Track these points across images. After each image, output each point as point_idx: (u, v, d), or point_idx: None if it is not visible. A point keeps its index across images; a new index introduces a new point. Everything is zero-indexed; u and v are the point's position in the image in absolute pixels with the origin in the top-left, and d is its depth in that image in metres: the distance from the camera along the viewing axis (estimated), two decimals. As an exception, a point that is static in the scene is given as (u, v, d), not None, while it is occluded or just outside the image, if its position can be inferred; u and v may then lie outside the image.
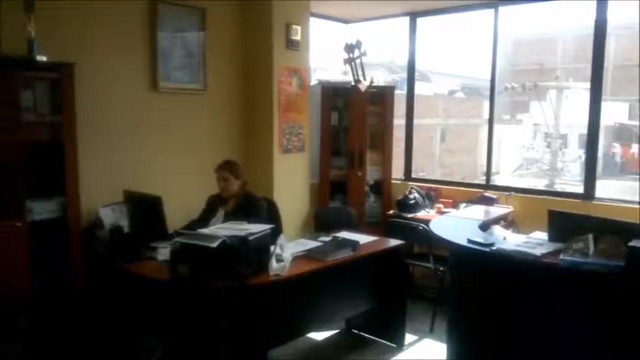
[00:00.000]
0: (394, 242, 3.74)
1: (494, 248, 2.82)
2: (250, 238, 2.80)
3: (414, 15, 5.21)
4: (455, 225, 3.60)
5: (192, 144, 4.23)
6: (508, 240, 3.02)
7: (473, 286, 3.04)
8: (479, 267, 2.97)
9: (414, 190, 4.79)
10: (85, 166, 3.14)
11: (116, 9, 3.67)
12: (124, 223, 3.52)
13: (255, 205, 3.55)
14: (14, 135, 2.80)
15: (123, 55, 3.74)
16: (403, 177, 5.35)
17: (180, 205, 3.63)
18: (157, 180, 3.89)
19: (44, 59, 2.91)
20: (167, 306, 2.97)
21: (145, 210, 3.37)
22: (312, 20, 4.75)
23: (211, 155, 4.15)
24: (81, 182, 3.12)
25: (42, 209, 3.01)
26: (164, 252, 3.19)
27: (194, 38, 4.14)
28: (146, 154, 3.93)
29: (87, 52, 3.41)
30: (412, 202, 4.66)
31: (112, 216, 3.62)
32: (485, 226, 3.52)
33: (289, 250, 3.11)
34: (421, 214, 4.61)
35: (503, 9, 4.69)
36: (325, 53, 5.39)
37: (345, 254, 3.27)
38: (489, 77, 4.87)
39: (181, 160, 4.16)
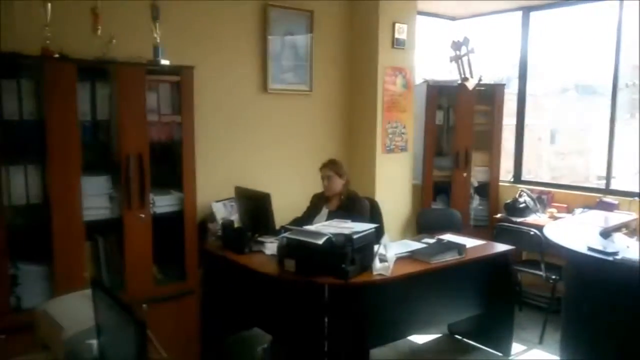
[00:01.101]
0: (502, 247, 3.59)
1: (618, 257, 2.61)
2: (355, 237, 2.83)
3: (527, 10, 4.95)
4: (573, 231, 3.38)
5: (297, 144, 4.34)
6: (632, 249, 2.78)
7: (594, 297, 2.84)
8: (600, 277, 2.76)
9: (524, 193, 4.56)
10: (200, 163, 3.33)
11: (230, 15, 3.86)
12: (234, 217, 3.70)
13: (358, 204, 3.57)
14: (141, 134, 3.03)
15: (236, 59, 3.92)
16: (512, 179, 5.11)
17: (285, 203, 3.74)
18: (265, 177, 4.04)
19: (167, 63, 3.13)
20: (273, 299, 3.08)
21: (255, 206, 3.52)
22: (418, 18, 4.67)
23: (316, 155, 4.24)
24: (197, 178, 3.31)
25: (163, 203, 3.23)
26: (271, 246, 3.32)
27: (302, 40, 4.25)
28: (255, 152, 4.09)
29: (203, 56, 3.61)
30: (522, 205, 4.44)
31: (223, 211, 3.82)
32: (606, 234, 3.27)
33: (393, 251, 3.09)
34: (531, 219, 4.38)
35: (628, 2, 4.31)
36: (431, 51, 5.27)
37: (450, 257, 3.19)
38: (606, 74, 4.50)
39: (287, 159, 4.28)
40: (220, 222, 3.62)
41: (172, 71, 3.21)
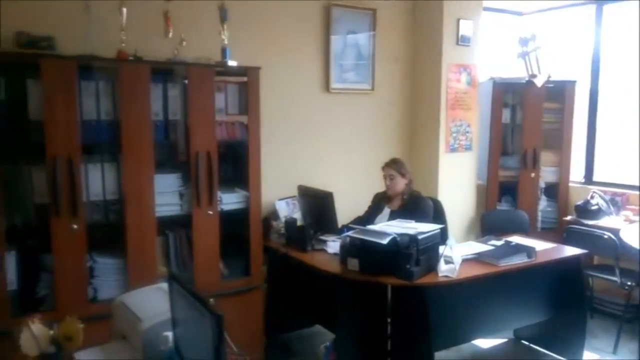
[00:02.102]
0: (573, 250, 3.43)
1: None
2: (420, 237, 2.79)
3: (601, 3, 4.72)
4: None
5: (359, 143, 4.33)
6: None
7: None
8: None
9: (597, 195, 4.34)
10: (264, 162, 3.38)
11: (294, 15, 3.91)
12: (297, 216, 3.73)
13: (422, 204, 3.52)
14: (210, 133, 3.11)
15: (299, 59, 3.97)
16: (583, 180, 4.88)
17: (347, 201, 3.74)
18: (327, 176, 4.06)
19: (234, 64, 3.20)
20: (335, 298, 3.08)
21: (317, 204, 3.54)
22: (484, 14, 4.55)
23: (377, 154, 4.22)
24: (262, 176, 3.37)
25: (229, 200, 3.31)
26: (333, 245, 3.33)
27: (364, 39, 4.24)
28: (318, 152, 4.12)
29: (267, 56, 3.67)
30: (594, 207, 4.24)
31: (286, 209, 3.87)
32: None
33: (459, 252, 3.02)
34: (604, 222, 4.17)
35: None
36: (497, 48, 5.12)
37: (519, 260, 3.08)
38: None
39: (349, 158, 4.29)
40: (283, 220, 3.67)
41: (239, 72, 3.28)
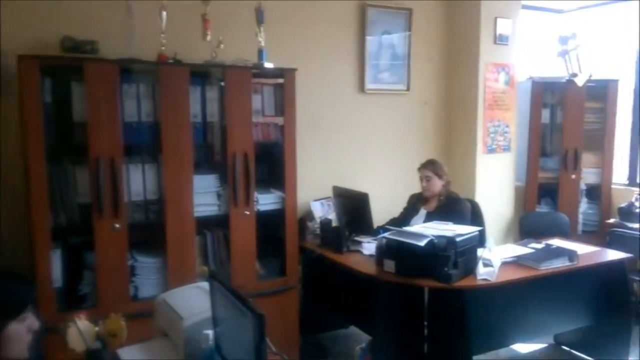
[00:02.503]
0: (617, 254, 3.33)
1: None
2: (458, 239, 2.75)
3: (645, -2, 4.56)
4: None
5: (394, 144, 4.31)
6: None
7: None
8: None
9: (642, 197, 4.20)
10: (299, 163, 3.39)
11: (329, 16, 3.91)
12: (332, 216, 3.73)
13: (459, 206, 3.47)
14: (247, 134, 3.14)
15: (334, 60, 3.97)
16: (627, 182, 4.73)
17: (382, 203, 3.72)
18: (362, 177, 4.05)
19: (271, 65, 3.22)
20: (371, 299, 3.07)
21: (352, 205, 3.53)
22: (522, 12, 4.46)
23: (413, 155, 4.19)
24: (297, 177, 3.38)
25: (265, 201, 3.33)
26: (369, 246, 3.31)
27: (399, 39, 4.21)
28: (353, 152, 4.12)
29: (303, 57, 3.67)
30: (638, 210, 4.09)
31: (321, 210, 3.88)
32: None
33: (498, 255, 2.97)
34: (650, 225, 4.03)
35: None
36: (536, 46, 5.01)
37: (560, 264, 3.01)
38: None
39: (384, 159, 4.26)
40: (318, 220, 3.68)
41: (276, 73, 3.30)
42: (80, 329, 1.79)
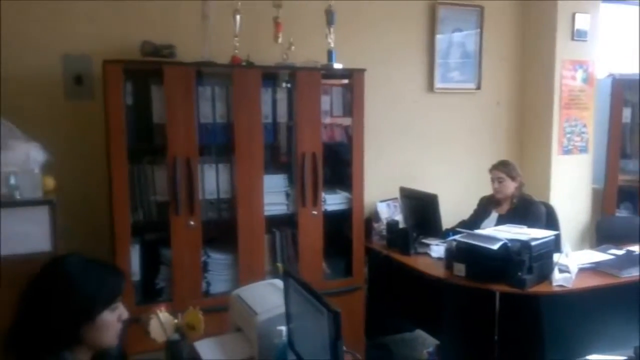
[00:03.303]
0: None
1: None
2: (534, 243, 2.66)
3: None
4: None
5: (464, 144, 4.22)
6: None
7: None
8: None
9: None
10: (367, 163, 3.39)
11: (398, 15, 3.88)
12: (399, 218, 3.70)
13: (533, 209, 3.35)
14: (315, 135, 3.18)
15: (403, 59, 3.94)
16: None
17: (450, 205, 3.65)
18: (430, 178, 3.98)
19: (340, 66, 3.24)
20: (439, 303, 3.02)
21: (421, 207, 3.49)
22: (602, 7, 4.25)
23: (484, 156, 4.09)
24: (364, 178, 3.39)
25: (332, 201, 3.36)
26: (437, 249, 3.26)
27: (470, 37, 4.12)
28: (421, 153, 4.06)
29: (371, 57, 3.66)
30: None
31: (387, 211, 3.85)
32: None
33: (575, 261, 2.84)
34: None
35: None
36: (617, 42, 4.75)
37: (645, 272, 2.84)
38: None
39: (453, 160, 4.18)
40: (384, 221, 3.66)
41: (344, 74, 3.32)
42: (162, 321, 1.88)
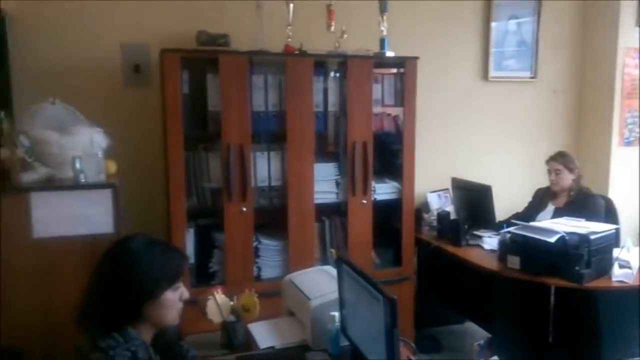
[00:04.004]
0: None
1: None
2: (593, 237, 2.57)
3: None
4: None
5: (519, 134, 4.11)
6: None
7: None
8: None
9: None
10: (417, 153, 3.35)
11: (453, 2, 3.80)
12: (450, 209, 3.65)
13: (592, 202, 3.24)
14: (366, 124, 3.17)
15: (457, 48, 3.86)
16: None
17: (503, 196, 3.57)
18: (482, 169, 3.91)
19: (392, 54, 3.21)
20: (492, 295, 2.96)
21: (473, 198, 3.43)
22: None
23: (539, 146, 3.98)
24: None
25: (382, 190, 3.34)
26: (490, 241, 3.20)
27: (527, 24, 3.99)
28: (474, 143, 3.99)
29: (423, 45, 3.59)
30: None
31: (437, 201, 3.81)
32: None
33: (636, 257, 2.73)
34: None
35: None
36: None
37: None
38: None
39: (507, 150, 4.09)
40: (435, 212, 3.62)
41: (396, 62, 3.28)
42: (218, 302, 1.93)
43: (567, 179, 3.28)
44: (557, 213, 3.23)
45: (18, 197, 2.15)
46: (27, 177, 2.20)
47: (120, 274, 1.41)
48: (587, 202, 3.22)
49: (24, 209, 2.15)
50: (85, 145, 2.34)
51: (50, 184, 2.25)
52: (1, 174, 2.17)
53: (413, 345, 1.93)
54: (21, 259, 2.17)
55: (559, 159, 3.29)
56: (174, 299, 1.47)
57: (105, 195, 2.26)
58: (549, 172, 3.32)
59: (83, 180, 2.25)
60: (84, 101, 2.62)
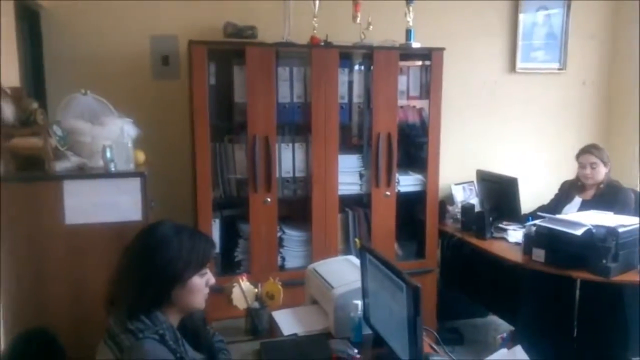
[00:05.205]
0: None
1: None
2: (620, 230, 2.53)
3: None
4: None
5: (546, 126, 4.04)
6: None
7: None
8: None
9: None
10: (443, 145, 3.34)
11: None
12: (474, 201, 3.63)
13: (622, 195, 3.18)
14: (391, 115, 3.17)
15: (484, 39, 3.81)
16: None
17: (529, 189, 3.54)
18: (508, 162, 3.88)
19: (418, 45, 3.19)
20: (516, 289, 2.95)
21: (498, 190, 3.41)
22: None
23: (567, 139, 3.94)
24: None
25: (406, 182, 3.34)
26: (514, 234, 3.18)
27: (556, 15, 3.92)
28: (499, 135, 3.94)
29: (450, 37, 3.55)
30: None
31: (462, 194, 3.79)
32: None
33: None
34: None
35: None
36: None
37: None
38: None
39: (534, 143, 4.03)
40: (459, 204, 3.60)
41: (422, 54, 3.27)
42: (243, 289, 1.97)
43: (602, 172, 3.22)
44: (585, 206, 3.18)
45: (52, 184, 2.22)
46: (60, 166, 2.27)
47: (150, 259, 1.44)
48: (617, 195, 3.16)
49: (57, 196, 2.22)
50: (116, 135, 2.40)
51: (82, 172, 2.32)
52: (36, 162, 2.24)
53: (435, 334, 1.93)
54: (54, 244, 2.24)
55: (595, 152, 3.22)
56: (200, 284, 1.50)
57: (134, 184, 2.31)
58: (584, 165, 3.24)
59: (113, 169, 2.30)
60: (114, 92, 2.68)
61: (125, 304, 1.43)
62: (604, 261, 2.52)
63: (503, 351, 1.64)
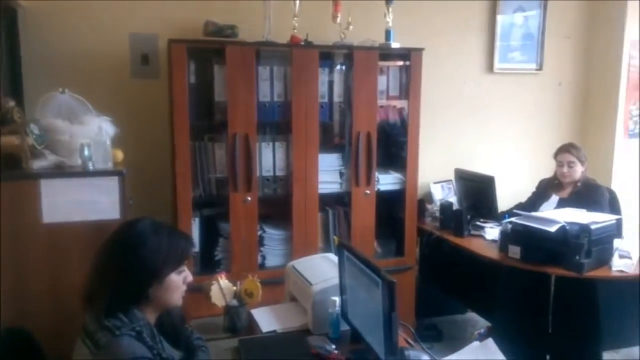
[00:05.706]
0: None
1: None
2: (593, 227, 2.60)
3: None
4: None
5: (523, 126, 4.12)
6: None
7: None
8: None
9: None
10: (422, 144, 3.38)
11: (460, -5, 3.82)
12: (453, 199, 3.68)
13: (597, 193, 3.26)
14: (371, 115, 3.20)
15: (462, 40, 3.87)
16: None
17: (506, 187, 3.60)
18: (485, 160, 3.94)
19: (398, 45, 3.23)
20: (491, 285, 3.00)
21: (475, 189, 3.47)
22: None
23: (543, 138, 4.01)
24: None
25: (386, 181, 3.38)
26: (491, 231, 3.24)
27: (534, 15, 3.99)
28: (477, 134, 4.00)
29: (429, 37, 3.60)
30: None
31: (441, 192, 3.84)
32: None
33: (637, 247, 2.76)
34: None
35: None
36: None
37: None
38: None
39: (511, 142, 4.10)
40: (438, 203, 3.65)
41: (402, 54, 3.30)
42: (222, 287, 1.98)
43: (579, 171, 3.29)
44: (562, 204, 3.25)
45: (28, 183, 2.20)
46: (38, 164, 2.25)
47: (127, 256, 1.45)
48: (592, 193, 3.24)
49: (34, 195, 2.20)
50: (94, 133, 2.38)
51: (60, 171, 2.30)
52: (12, 161, 2.22)
53: (412, 330, 1.96)
54: (32, 243, 2.22)
55: (573, 151, 3.28)
56: (178, 282, 1.51)
57: (112, 182, 2.30)
58: (562, 164, 3.30)
59: (91, 168, 2.29)
60: (93, 91, 2.65)
61: (102, 301, 1.42)
62: (577, 257, 2.58)
63: (475, 344, 1.68)
